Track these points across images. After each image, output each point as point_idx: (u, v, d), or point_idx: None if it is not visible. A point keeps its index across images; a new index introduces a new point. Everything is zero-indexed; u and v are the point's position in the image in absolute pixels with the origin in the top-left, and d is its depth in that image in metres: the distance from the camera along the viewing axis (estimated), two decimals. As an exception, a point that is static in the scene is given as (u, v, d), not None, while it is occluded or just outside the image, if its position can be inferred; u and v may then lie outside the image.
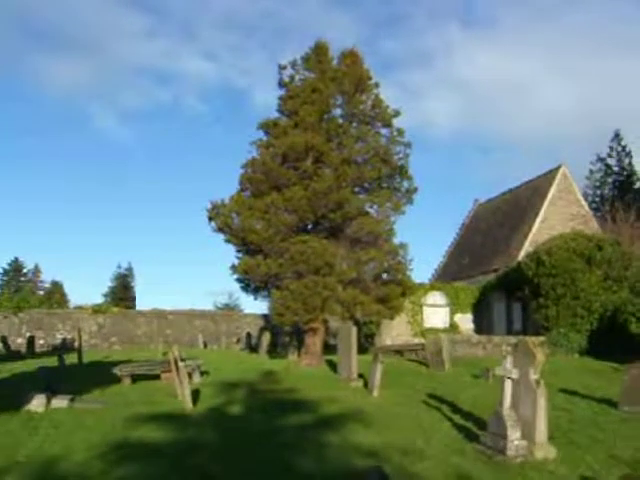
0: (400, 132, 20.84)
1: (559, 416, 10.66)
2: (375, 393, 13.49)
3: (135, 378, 15.50)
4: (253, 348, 27.55)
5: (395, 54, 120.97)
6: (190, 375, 14.78)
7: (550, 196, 32.33)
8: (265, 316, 29.54)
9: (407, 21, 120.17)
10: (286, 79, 21.11)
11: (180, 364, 12.81)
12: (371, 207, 20.66)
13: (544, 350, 21.70)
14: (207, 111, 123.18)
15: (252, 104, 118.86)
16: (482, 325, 29.44)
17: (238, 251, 19.97)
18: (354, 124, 21.12)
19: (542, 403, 8.32)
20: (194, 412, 11.72)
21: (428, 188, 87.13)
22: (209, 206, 19.45)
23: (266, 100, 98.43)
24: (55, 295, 50.92)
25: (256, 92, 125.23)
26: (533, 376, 8.38)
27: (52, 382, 13.19)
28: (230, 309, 51.32)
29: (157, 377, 15.63)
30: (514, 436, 8.11)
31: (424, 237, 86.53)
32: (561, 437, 9.19)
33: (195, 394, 13.04)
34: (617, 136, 49.20)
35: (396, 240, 20.26)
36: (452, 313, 29.15)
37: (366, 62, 21.60)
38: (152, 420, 10.66)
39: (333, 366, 17.84)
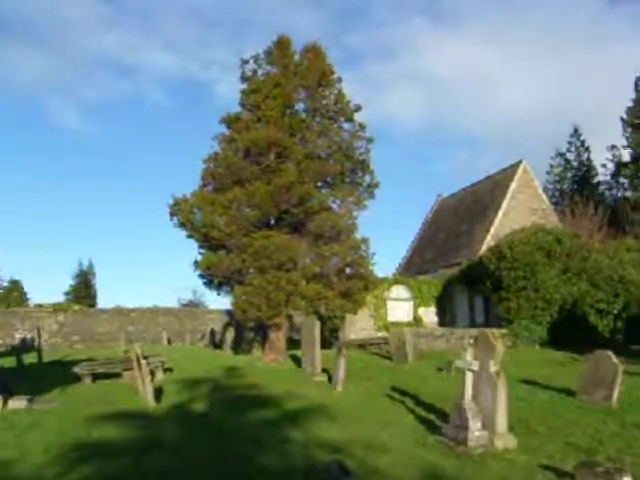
0: (362, 127, 20.91)
1: (519, 406, 10.80)
2: (339, 387, 13.52)
3: (96, 377, 15.25)
4: (217, 344, 27.41)
5: (359, 47, 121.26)
6: (152, 372, 14.64)
7: (511, 191, 32.82)
8: (229, 312, 29.39)
9: (371, 14, 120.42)
10: (248, 73, 20.97)
11: (142, 361, 12.64)
12: (334, 202, 20.71)
13: (504, 342, 22.09)
14: (170, 104, 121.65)
15: (215, 97, 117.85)
16: (445, 318, 29.79)
17: (200, 247, 19.82)
18: (317, 119, 21.08)
19: (502, 394, 8.43)
20: (156, 410, 11.60)
21: (392, 182, 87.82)
22: (171, 201, 19.26)
23: (230, 93, 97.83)
24: (13, 294, 49.78)
25: (219, 85, 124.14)
26: (493, 368, 8.49)
27: (9, 383, 12.90)
28: (194, 306, 50.87)
29: (119, 375, 15.41)
30: (475, 427, 8.21)
31: (388, 231, 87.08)
32: (521, 427, 9.32)
33: (158, 392, 12.92)
34: (576, 131, 50.10)
35: (359, 235, 20.36)
36: (415, 307, 29.42)
37: (329, 57, 21.59)
38: (113, 419, 10.50)
39: (297, 361, 17.84)
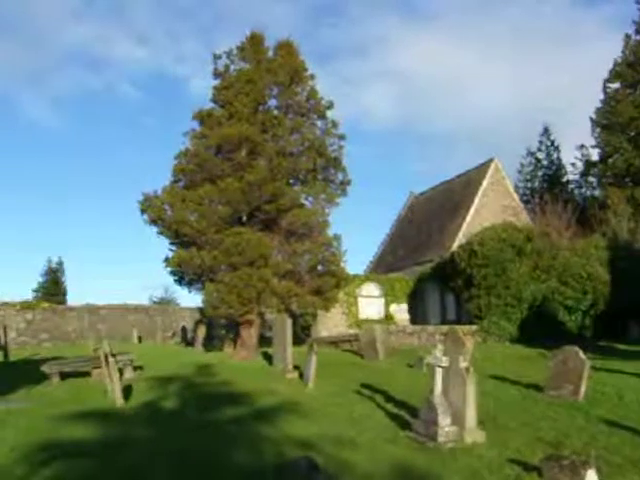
0: (334, 124, 20.96)
1: (489, 402, 10.91)
2: (310, 384, 13.53)
3: (64, 375, 15.05)
4: (189, 342, 27.24)
5: (333, 43, 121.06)
6: (122, 370, 14.52)
7: (482, 189, 33.18)
8: (201, 309, 29.25)
9: (346, 10, 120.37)
10: (221, 69, 20.88)
11: (111, 359, 12.51)
12: (306, 199, 20.74)
13: (475, 338, 22.32)
14: (141, 98, 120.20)
15: (188, 92, 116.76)
16: (417, 315, 29.99)
17: (171, 244, 19.71)
18: (289, 115, 21.06)
19: (471, 390, 8.51)
20: (126, 408, 11.50)
21: (365, 179, 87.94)
22: (141, 198, 19.09)
23: (202, 88, 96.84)
24: (-20, 291, 48.94)
25: (192, 79, 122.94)
26: (463, 364, 8.57)
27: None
28: (166, 303, 50.50)
29: (88, 374, 15.23)
30: (445, 422, 8.28)
31: (362, 229, 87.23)
32: (490, 422, 9.41)
33: (127, 390, 12.82)
34: (546, 131, 50.71)
35: (330, 232, 20.42)
36: (387, 304, 29.57)
37: (302, 53, 21.62)
38: (81, 418, 10.38)
39: (269, 358, 17.81)
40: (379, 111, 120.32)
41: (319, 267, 19.92)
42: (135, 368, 16.07)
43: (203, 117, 20.24)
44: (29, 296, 47.26)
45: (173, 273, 19.59)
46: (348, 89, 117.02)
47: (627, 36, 41.60)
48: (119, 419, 10.54)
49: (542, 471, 6.82)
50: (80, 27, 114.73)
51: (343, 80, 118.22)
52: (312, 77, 21.37)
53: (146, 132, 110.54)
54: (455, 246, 29.22)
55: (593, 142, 42.71)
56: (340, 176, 21.02)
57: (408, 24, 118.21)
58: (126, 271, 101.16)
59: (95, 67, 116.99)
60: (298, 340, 21.61)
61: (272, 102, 21.20)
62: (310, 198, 20.64)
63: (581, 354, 11.67)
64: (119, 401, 11.77)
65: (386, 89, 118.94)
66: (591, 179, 45.06)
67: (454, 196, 35.32)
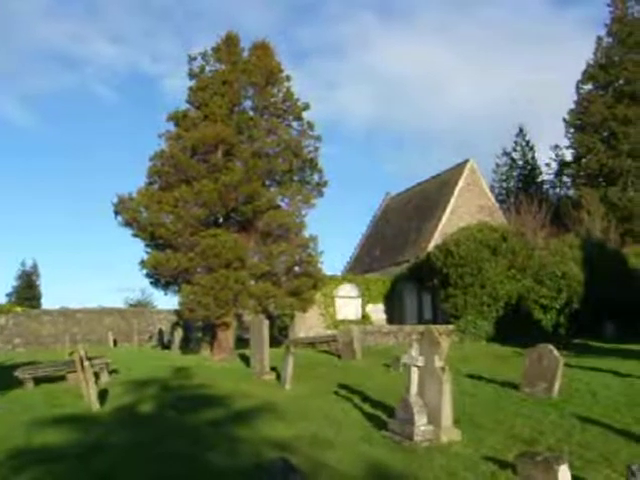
0: (311, 125, 20.97)
1: (465, 400, 11.01)
2: (287, 386, 13.52)
3: (39, 380, 14.84)
4: (165, 345, 27.05)
5: (310, 43, 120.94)
6: (98, 374, 14.34)
7: (458, 189, 33.40)
8: (178, 312, 29.10)
9: (322, 10, 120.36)
10: (196, 70, 20.78)
11: (86, 363, 12.37)
12: (282, 200, 20.71)
13: (452, 338, 22.48)
14: (116, 98, 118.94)
15: (163, 92, 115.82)
16: (394, 315, 30.12)
17: (147, 246, 19.55)
18: (265, 117, 21.03)
19: (447, 389, 8.57)
20: (101, 412, 11.38)
21: (342, 180, 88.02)
22: (115, 200, 18.92)
23: (178, 88, 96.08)
24: (-49, 296, 48.17)
25: (168, 79, 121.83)
26: (438, 363, 8.62)
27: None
28: (142, 306, 50.05)
29: (63, 378, 15.04)
30: (421, 422, 8.33)
31: (338, 230, 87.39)
32: (466, 420, 9.49)
33: (103, 394, 12.69)
34: (521, 131, 51.33)
35: (307, 233, 20.43)
36: (364, 304, 29.67)
37: (277, 54, 21.59)
38: (55, 423, 10.26)
39: (246, 360, 17.74)
40: (355, 111, 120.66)
41: (296, 268, 19.91)
42: (111, 372, 15.89)
43: (178, 118, 20.14)
44: (2, 300, 46.57)
45: (149, 275, 19.44)
46: (324, 89, 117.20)
47: (599, 38, 42.28)
48: (95, 424, 10.42)
49: (516, 468, 6.89)
50: (54, 25, 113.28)
51: (319, 80, 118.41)
52: (288, 78, 21.37)
53: (121, 132, 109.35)
54: (431, 246, 29.39)
55: (567, 143, 43.34)
56: (316, 177, 21.07)
57: (385, 24, 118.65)
58: (102, 274, 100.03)
59: (69, 66, 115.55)
60: (276, 341, 21.58)
61: (248, 103, 21.21)
62: (286, 199, 20.63)
63: (555, 352, 11.80)
64: (95, 405, 11.65)
65: (362, 89, 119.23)
66: (565, 179, 45.75)
67: (430, 197, 35.53)
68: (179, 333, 23.77)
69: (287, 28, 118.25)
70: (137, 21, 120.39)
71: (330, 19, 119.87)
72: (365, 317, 29.15)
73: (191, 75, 20.80)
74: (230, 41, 21.20)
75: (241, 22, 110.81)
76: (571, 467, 6.60)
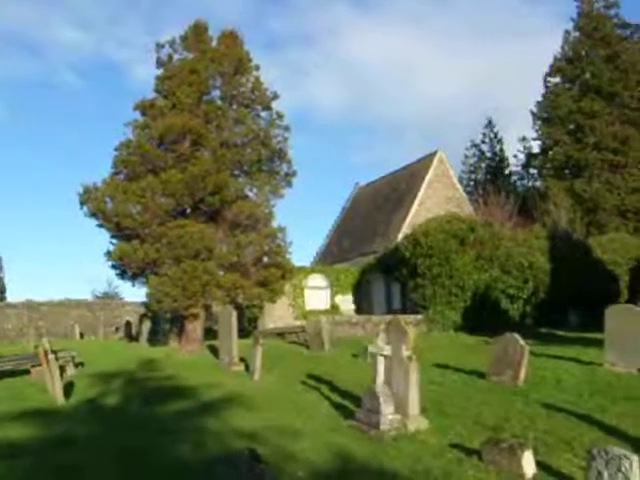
0: (280, 115, 20.83)
1: (432, 389, 11.10)
2: (256, 376, 13.50)
3: (1, 375, 14.53)
4: (133, 337, 26.76)
5: (281, 31, 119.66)
6: (63, 368, 14.12)
7: (427, 180, 33.57)
8: (145, 303, 28.85)
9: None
10: (164, 58, 20.46)
11: (50, 357, 12.19)
12: (250, 190, 20.59)
13: (420, 328, 22.64)
14: (81, 86, 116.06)
15: (131, 80, 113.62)
16: (362, 306, 30.21)
17: (113, 237, 19.26)
18: (233, 106, 20.84)
19: (414, 378, 8.63)
20: (66, 406, 11.25)
21: (313, 170, 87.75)
22: (81, 190, 18.61)
23: (147, 76, 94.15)
24: None
25: (136, 66, 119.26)
26: (405, 352, 8.67)
27: None
28: (110, 298, 49.39)
29: (27, 372, 14.77)
30: (387, 411, 8.37)
31: (308, 220, 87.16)
32: (433, 409, 9.57)
33: (69, 387, 12.52)
34: (490, 123, 51.79)
35: (276, 223, 20.32)
36: (333, 295, 29.71)
37: (246, 43, 21.37)
38: (19, 417, 10.07)
39: (215, 351, 17.65)
40: (327, 101, 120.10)
41: (264, 259, 19.81)
42: (77, 365, 15.66)
43: (145, 107, 19.83)
44: (-35, 293, 45.53)
45: (115, 267, 19.18)
46: (296, 78, 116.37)
47: (567, 32, 42.84)
48: (60, 417, 10.30)
49: (482, 454, 6.98)
50: (15, 9, 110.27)
51: (291, 69, 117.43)
52: (257, 68, 21.17)
53: (86, 121, 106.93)
54: (400, 237, 29.47)
55: (534, 135, 43.86)
56: (285, 167, 20.94)
57: (356, 12, 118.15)
58: (68, 265, 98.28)
59: (33, 52, 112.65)
60: (245, 332, 21.49)
61: (216, 93, 20.93)
62: (255, 190, 20.52)
63: (521, 341, 11.97)
64: (60, 399, 11.49)
65: (334, 78, 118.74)
66: (532, 171, 46.32)
67: (399, 187, 35.66)
68: (147, 325, 23.52)
69: (259, 16, 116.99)
70: (103, 6, 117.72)
71: (302, 8, 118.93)
72: (334, 308, 29.19)
73: (159, 64, 20.49)
74: (198, 29, 20.93)
75: (212, 8, 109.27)
76: (535, 453, 6.74)
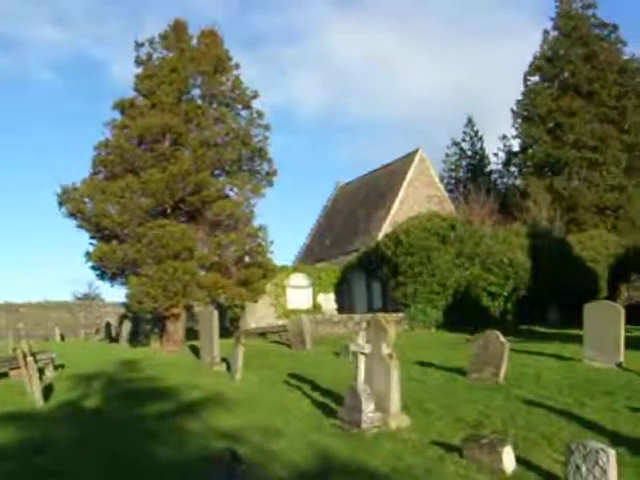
0: (260, 114, 20.82)
1: (414, 387, 11.11)
2: (237, 376, 13.43)
3: (-21, 378, 14.37)
4: (113, 338, 26.59)
5: (263, 28, 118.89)
6: (42, 370, 13.97)
7: (408, 178, 33.64)
8: (126, 304, 28.67)
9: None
10: (143, 57, 20.33)
11: (29, 359, 12.05)
12: (231, 190, 20.54)
13: (402, 325, 22.73)
14: (59, 84, 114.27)
15: (110, 77, 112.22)
16: (344, 304, 30.27)
17: (92, 237, 19.12)
18: (213, 105, 20.79)
19: (395, 375, 8.64)
20: (46, 408, 11.11)
21: (295, 169, 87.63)
22: (59, 190, 18.45)
23: (126, 74, 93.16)
24: None
25: (115, 64, 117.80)
26: (386, 350, 8.69)
27: None
28: (90, 299, 49.00)
29: (5, 375, 14.59)
30: (368, 409, 8.37)
31: (290, 219, 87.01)
32: (415, 406, 9.58)
33: (48, 390, 12.38)
34: (470, 121, 51.97)
35: (256, 223, 20.32)
36: (315, 294, 29.74)
37: (226, 42, 21.33)
38: (-3, 421, 9.96)
39: (196, 352, 17.55)
40: (308, 99, 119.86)
41: (246, 258, 19.79)
42: (56, 367, 15.51)
43: (124, 106, 19.69)
44: (-57, 296, 44.95)
45: (95, 268, 19.03)
46: (277, 76, 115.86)
47: (546, 32, 43.19)
48: (39, 420, 10.19)
49: (462, 451, 7.01)
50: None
51: (272, 67, 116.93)
52: (237, 66, 21.13)
53: (65, 120, 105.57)
54: (381, 235, 29.54)
55: (515, 133, 44.15)
56: (266, 167, 20.92)
57: (339, 11, 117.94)
58: (47, 267, 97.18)
59: (7, 48, 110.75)
60: (227, 332, 21.44)
61: (196, 92, 20.88)
62: (235, 189, 20.46)
63: (501, 337, 12.03)
64: (39, 402, 11.36)
65: (316, 76, 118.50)
66: (512, 169, 46.58)
67: (380, 186, 35.73)
68: (127, 326, 23.38)
69: (241, 12, 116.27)
70: (81, 2, 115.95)
71: (284, 5, 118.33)
72: (316, 307, 29.22)
73: (138, 62, 20.36)
74: (178, 28, 20.83)
75: (193, 4, 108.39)
76: (515, 448, 6.78)
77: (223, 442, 7.91)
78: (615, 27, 42.13)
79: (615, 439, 7.27)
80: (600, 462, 5.09)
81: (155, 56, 20.46)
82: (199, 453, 7.62)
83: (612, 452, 5.14)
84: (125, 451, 7.92)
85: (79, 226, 18.73)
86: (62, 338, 29.63)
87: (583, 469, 5.20)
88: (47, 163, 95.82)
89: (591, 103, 39.78)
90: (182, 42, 20.63)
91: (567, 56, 41.33)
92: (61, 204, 18.49)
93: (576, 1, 42.96)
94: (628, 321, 13.74)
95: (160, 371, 14.71)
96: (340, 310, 29.54)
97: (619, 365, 12.44)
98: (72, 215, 18.51)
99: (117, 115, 19.88)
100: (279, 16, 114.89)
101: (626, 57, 41.43)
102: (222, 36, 21.31)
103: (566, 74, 41.42)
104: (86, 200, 18.41)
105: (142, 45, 20.37)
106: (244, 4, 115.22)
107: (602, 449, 5.16)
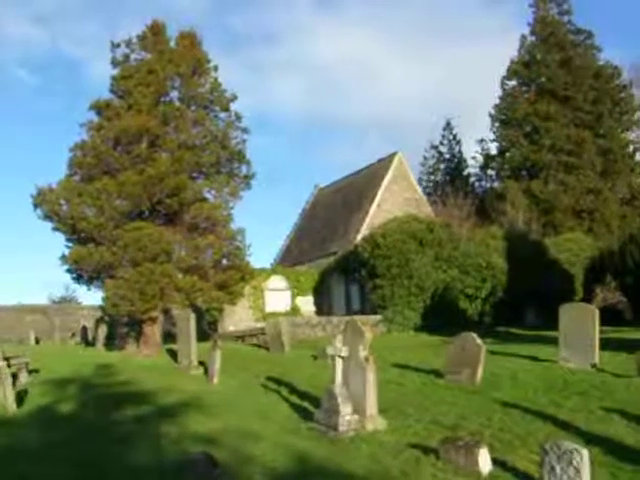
0: (238, 117, 20.73)
1: (391, 389, 11.16)
2: (215, 380, 13.37)
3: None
4: (90, 342, 26.33)
5: (243, 30, 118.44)
6: (16, 375, 13.77)
7: (386, 181, 33.71)
8: (102, 307, 28.40)
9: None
10: (120, 58, 20.14)
11: (2, 363, 11.87)
12: (209, 192, 20.39)
13: (379, 328, 22.78)
14: (36, 83, 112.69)
15: (89, 78, 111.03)
16: (323, 307, 30.27)
17: (68, 240, 18.90)
18: (192, 108, 20.63)
19: (371, 378, 8.66)
20: (19, 414, 10.92)
21: (274, 171, 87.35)
22: (34, 192, 18.22)
23: (105, 74, 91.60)
24: None
25: (93, 64, 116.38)
26: (362, 353, 8.71)
27: None
28: (67, 302, 48.50)
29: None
30: (345, 411, 8.37)
31: (269, 222, 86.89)
32: (392, 409, 9.59)
33: (22, 395, 12.18)
34: (448, 125, 52.30)
35: (234, 225, 20.21)
36: (294, 296, 29.71)
37: (204, 44, 21.19)
38: (-33, 428, 9.79)
39: (174, 355, 17.44)
40: (288, 100, 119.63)
41: (223, 261, 19.66)
42: (31, 371, 15.29)
43: (101, 108, 19.50)
44: None
45: (70, 271, 18.81)
46: (257, 77, 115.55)
47: (523, 37, 43.63)
48: (10, 426, 10.01)
49: (439, 453, 7.03)
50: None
51: (252, 68, 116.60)
52: (215, 69, 21.02)
53: (41, 120, 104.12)
54: (359, 238, 29.54)
55: (492, 137, 44.51)
56: (244, 169, 20.80)
57: (319, 13, 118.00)
58: (22, 270, 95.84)
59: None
60: (205, 335, 21.34)
61: (174, 94, 20.68)
62: (213, 192, 20.33)
63: (478, 340, 12.10)
64: (11, 407, 11.16)
65: (295, 78, 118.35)
66: (490, 172, 46.90)
67: (358, 189, 35.76)
68: (103, 329, 23.17)
69: (220, 13, 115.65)
70: (59, 1, 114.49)
71: (264, 7, 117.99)
72: (295, 309, 29.19)
73: (115, 63, 20.17)
74: (156, 29, 20.67)
75: (173, 5, 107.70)
76: (491, 449, 6.81)
77: (200, 446, 7.85)
78: (590, 33, 42.72)
79: (589, 439, 7.34)
80: (574, 462, 5.13)
81: (132, 57, 20.29)
82: (175, 458, 7.57)
83: (585, 452, 5.19)
84: (99, 456, 7.84)
85: (55, 228, 18.49)
86: (37, 342, 29.28)
87: (557, 469, 5.24)
88: (22, 164, 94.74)
89: (567, 107, 40.24)
90: (160, 44, 20.48)
91: (544, 61, 41.78)
92: (36, 206, 18.24)
93: (552, 7, 43.48)
94: (603, 322, 13.88)
95: (136, 375, 14.58)
96: (319, 313, 29.51)
97: (594, 366, 12.57)
98: (48, 217, 18.27)
99: (93, 116, 19.71)
100: (259, 18, 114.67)
101: (601, 63, 41.98)
102: (201, 38, 21.21)
103: (543, 79, 41.85)
104: (62, 202, 18.18)
105: (118, 46, 20.17)
106: (224, 5, 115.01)
107: (576, 449, 5.20)
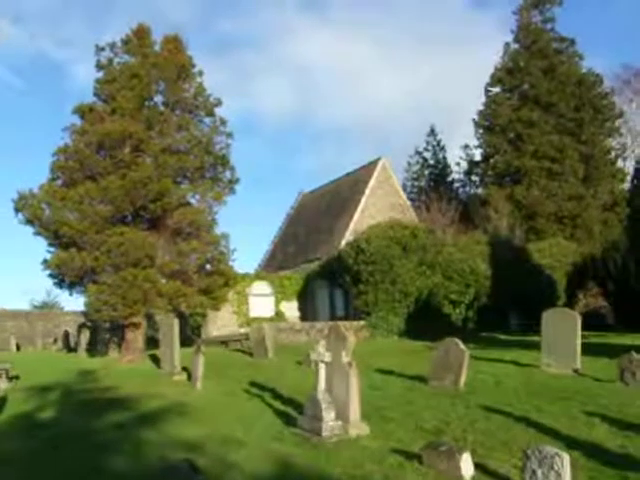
0: (223, 121, 20.70)
1: (374, 395, 11.13)
2: (198, 386, 13.29)
3: None
4: (72, 348, 26.10)
5: (229, 34, 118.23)
6: (-5, 381, 13.65)
7: (370, 187, 33.79)
8: (85, 313, 28.14)
9: (242, 0, 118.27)
10: (104, 61, 20.05)
11: (-19, 370, 11.75)
12: (193, 197, 20.34)
13: (363, 333, 22.78)
14: (18, 85, 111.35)
15: (72, 80, 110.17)
16: (307, 312, 30.22)
17: (50, 245, 18.74)
18: (176, 112, 20.58)
19: (354, 383, 8.64)
20: (-2, 422, 10.83)
21: (259, 176, 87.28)
22: (16, 196, 18.07)
23: (88, 77, 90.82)
24: None
25: (76, 67, 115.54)
26: (345, 358, 8.69)
27: None
28: (49, 307, 48.02)
29: (-44, 387, 14.20)
30: (329, 417, 8.34)
31: (253, 227, 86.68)
32: (375, 414, 9.57)
33: (2, 402, 12.10)
34: (433, 131, 52.58)
35: (218, 230, 20.18)
36: (277, 302, 29.64)
37: (192, 47, 21.34)
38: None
39: (157, 361, 17.34)
40: (273, 105, 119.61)
41: (207, 266, 19.62)
42: (11, 378, 15.16)
43: (84, 112, 19.40)
44: None
45: (52, 276, 18.65)
46: (242, 81, 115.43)
47: (507, 44, 43.95)
48: (-9, 434, 9.92)
49: (422, 458, 7.03)
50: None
51: (237, 72, 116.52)
52: (200, 73, 21.00)
53: (23, 123, 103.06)
54: (343, 244, 29.55)
55: (476, 143, 44.78)
56: (228, 174, 20.77)
57: (305, 17, 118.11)
58: (3, 274, 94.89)
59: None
60: (188, 341, 21.22)
61: (158, 98, 20.65)
62: (197, 196, 20.28)
63: (461, 345, 12.12)
64: (-9, 413, 11.07)
65: (280, 83, 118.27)
66: (474, 178, 47.14)
67: (342, 194, 35.82)
68: (86, 335, 22.95)
69: (207, 17, 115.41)
70: (43, 1, 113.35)
71: (250, 10, 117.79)
72: (279, 315, 29.11)
73: (98, 67, 20.08)
74: (141, 33, 20.61)
75: (159, 8, 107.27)
76: (473, 455, 6.82)
77: (182, 452, 7.79)
78: (573, 41, 43.10)
79: (570, 444, 7.37)
80: (555, 466, 5.15)
81: (116, 61, 20.23)
82: (157, 464, 7.50)
83: (566, 456, 5.21)
84: (80, 463, 7.77)
85: (36, 233, 18.35)
86: (18, 348, 28.98)
87: (539, 473, 5.25)
88: (2, 167, 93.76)
89: (550, 114, 40.57)
90: (145, 47, 20.42)
91: (527, 68, 42.09)
92: (18, 210, 18.10)
93: (536, 15, 43.85)
94: (585, 328, 13.99)
95: (119, 381, 14.52)
96: (303, 318, 29.47)
97: (575, 371, 12.66)
98: (29, 222, 18.13)
99: (77, 120, 19.60)
100: (245, 21, 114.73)
101: (583, 71, 42.38)
102: (186, 42, 21.20)
103: (526, 86, 42.17)
104: (44, 206, 18.06)
105: (103, 49, 20.10)
106: (210, 9, 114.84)
107: (557, 454, 5.22)
